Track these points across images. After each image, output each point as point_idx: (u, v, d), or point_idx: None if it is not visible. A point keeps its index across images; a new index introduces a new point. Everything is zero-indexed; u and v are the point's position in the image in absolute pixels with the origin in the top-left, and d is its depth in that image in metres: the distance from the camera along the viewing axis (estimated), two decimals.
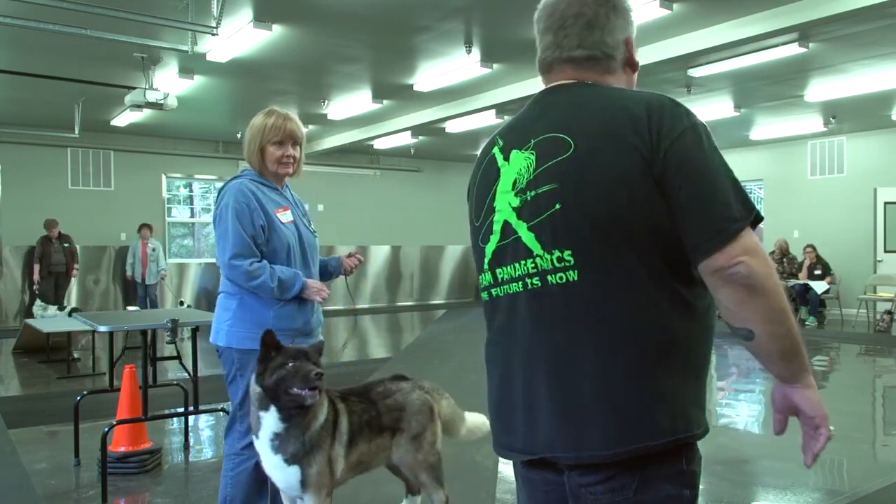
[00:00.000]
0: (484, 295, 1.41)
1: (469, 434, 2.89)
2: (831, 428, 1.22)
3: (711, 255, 1.15)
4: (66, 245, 10.89)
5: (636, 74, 1.45)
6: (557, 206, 1.24)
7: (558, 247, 1.23)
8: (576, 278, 1.22)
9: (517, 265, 1.29)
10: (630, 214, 1.19)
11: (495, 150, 1.40)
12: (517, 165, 1.32)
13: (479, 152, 1.49)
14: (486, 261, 1.37)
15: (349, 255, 2.97)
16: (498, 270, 1.34)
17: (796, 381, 1.21)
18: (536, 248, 1.26)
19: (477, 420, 2.90)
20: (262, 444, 2.31)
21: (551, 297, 1.24)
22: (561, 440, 1.23)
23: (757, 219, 1.18)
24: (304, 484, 2.30)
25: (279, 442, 2.29)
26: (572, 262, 1.22)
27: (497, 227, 1.34)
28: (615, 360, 1.20)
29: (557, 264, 1.23)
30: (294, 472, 2.29)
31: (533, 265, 1.27)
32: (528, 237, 1.28)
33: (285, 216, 2.70)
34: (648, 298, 1.20)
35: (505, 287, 1.33)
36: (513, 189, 1.31)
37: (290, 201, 2.81)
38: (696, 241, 1.17)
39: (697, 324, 1.23)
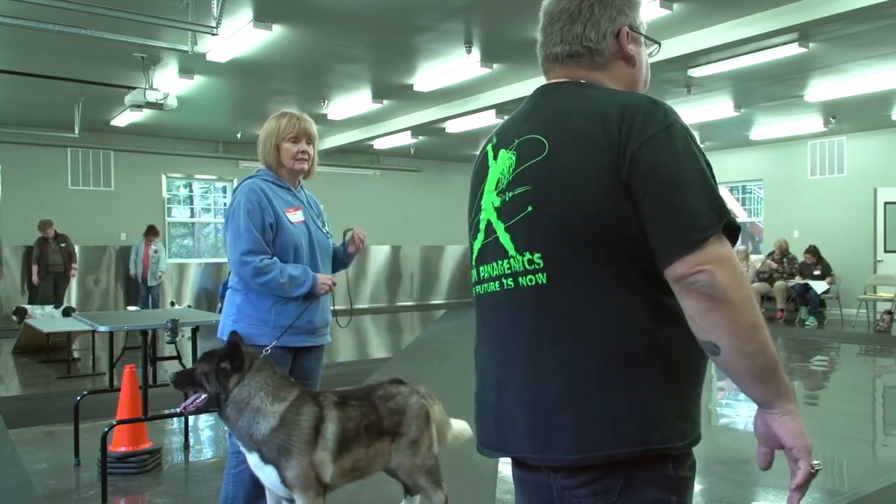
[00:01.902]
0: (472, 291, 1.42)
1: (454, 440, 2.91)
2: (815, 462, 1.14)
3: (674, 262, 1.11)
4: (63, 245, 10.88)
5: (642, 69, 1.39)
6: (530, 209, 1.23)
7: (529, 249, 1.23)
8: (545, 281, 1.21)
9: (495, 265, 1.30)
10: (598, 220, 1.16)
11: (489, 147, 1.40)
12: (501, 165, 1.32)
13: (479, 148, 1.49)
14: (473, 258, 1.39)
15: (351, 234, 2.98)
16: (481, 269, 1.35)
17: (774, 406, 1.14)
18: (511, 249, 1.26)
19: (460, 426, 2.92)
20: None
21: (523, 299, 1.24)
22: (529, 441, 1.23)
23: (730, 227, 1.12)
24: (286, 484, 2.35)
25: (238, 439, 2.40)
26: (542, 264, 1.21)
27: (482, 226, 1.34)
28: (582, 366, 1.17)
29: (528, 266, 1.23)
30: (271, 471, 2.34)
31: (508, 266, 1.26)
32: (504, 238, 1.27)
33: (295, 216, 2.74)
34: (620, 304, 1.17)
35: (485, 286, 1.34)
36: (495, 189, 1.32)
37: (304, 202, 2.83)
38: (661, 249, 1.12)
39: (682, 332, 1.17)
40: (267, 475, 2.36)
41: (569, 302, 1.19)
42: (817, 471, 1.13)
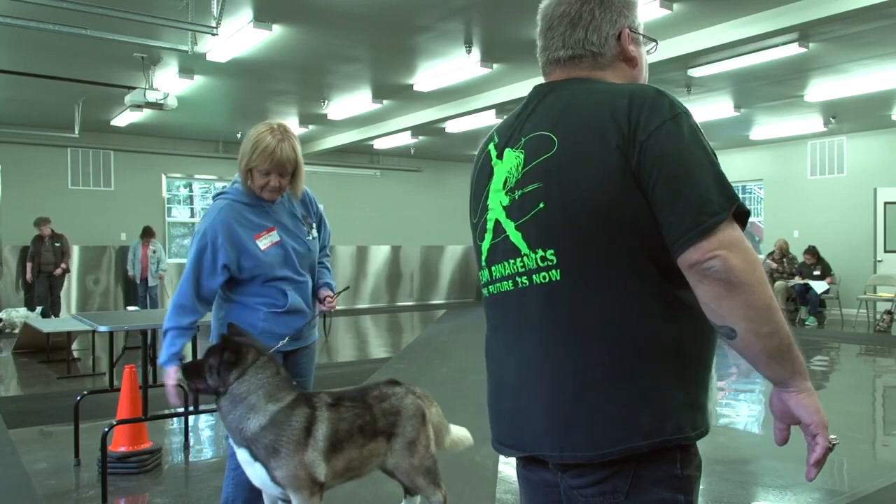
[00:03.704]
0: (483, 291, 1.42)
1: (452, 446, 2.89)
2: (832, 437, 1.15)
3: (687, 249, 1.12)
4: (57, 245, 10.80)
5: (642, 69, 1.40)
6: (541, 206, 1.23)
7: (542, 246, 1.23)
8: (558, 278, 1.21)
9: (507, 263, 1.30)
10: (611, 212, 1.17)
11: (491, 146, 1.40)
12: (508, 164, 1.32)
13: (478, 148, 1.49)
14: (483, 258, 1.38)
15: (324, 300, 2.83)
16: (492, 268, 1.35)
17: (790, 384, 1.15)
18: (523, 248, 1.26)
19: (460, 433, 2.90)
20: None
21: (537, 296, 1.24)
22: (547, 439, 1.23)
23: (740, 212, 1.13)
24: (276, 483, 2.36)
25: (228, 432, 2.40)
26: (555, 261, 1.22)
27: (490, 226, 1.34)
28: (597, 361, 1.18)
29: (541, 264, 1.23)
30: (260, 469, 2.35)
31: (521, 264, 1.27)
32: (515, 236, 1.28)
33: (266, 241, 2.60)
34: (633, 298, 1.18)
35: (498, 285, 1.33)
36: (503, 188, 1.31)
37: (282, 215, 2.70)
38: (673, 237, 1.13)
39: (692, 323, 1.19)
40: (256, 472, 2.37)
41: (583, 297, 1.20)
42: (834, 445, 1.15)
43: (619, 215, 1.17)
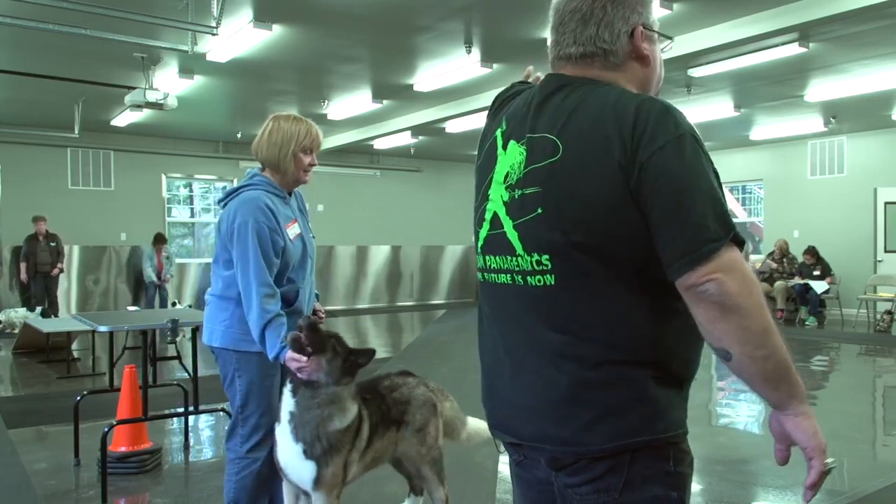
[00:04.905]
0: (479, 275, 1.43)
1: (468, 439, 2.90)
2: (829, 461, 1.16)
3: (683, 274, 1.12)
4: (52, 244, 10.77)
5: (656, 67, 1.36)
6: (539, 211, 1.23)
7: (537, 250, 1.23)
8: (553, 283, 1.22)
9: (504, 259, 1.30)
10: (607, 226, 1.17)
11: (498, 133, 1.38)
12: (511, 158, 1.31)
13: (485, 125, 1.48)
14: (480, 245, 1.39)
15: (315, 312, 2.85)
16: (488, 258, 1.35)
17: (787, 408, 1.16)
18: (518, 248, 1.26)
19: (478, 425, 2.90)
20: (283, 429, 2.31)
21: (533, 297, 1.25)
22: (543, 433, 1.25)
23: (736, 240, 1.12)
24: (317, 482, 2.29)
25: (294, 425, 2.28)
26: (549, 266, 1.22)
27: (488, 216, 1.34)
28: (590, 360, 1.20)
29: (536, 267, 1.24)
30: (310, 467, 2.28)
31: (516, 263, 1.27)
32: (512, 235, 1.28)
33: (293, 230, 2.65)
34: (626, 303, 1.19)
35: (493, 276, 1.34)
36: (504, 182, 1.31)
37: (296, 209, 2.76)
38: (669, 260, 1.13)
39: (683, 324, 1.20)
40: (303, 468, 2.29)
41: (577, 302, 1.21)
42: (830, 469, 1.16)
43: (616, 230, 1.17)
